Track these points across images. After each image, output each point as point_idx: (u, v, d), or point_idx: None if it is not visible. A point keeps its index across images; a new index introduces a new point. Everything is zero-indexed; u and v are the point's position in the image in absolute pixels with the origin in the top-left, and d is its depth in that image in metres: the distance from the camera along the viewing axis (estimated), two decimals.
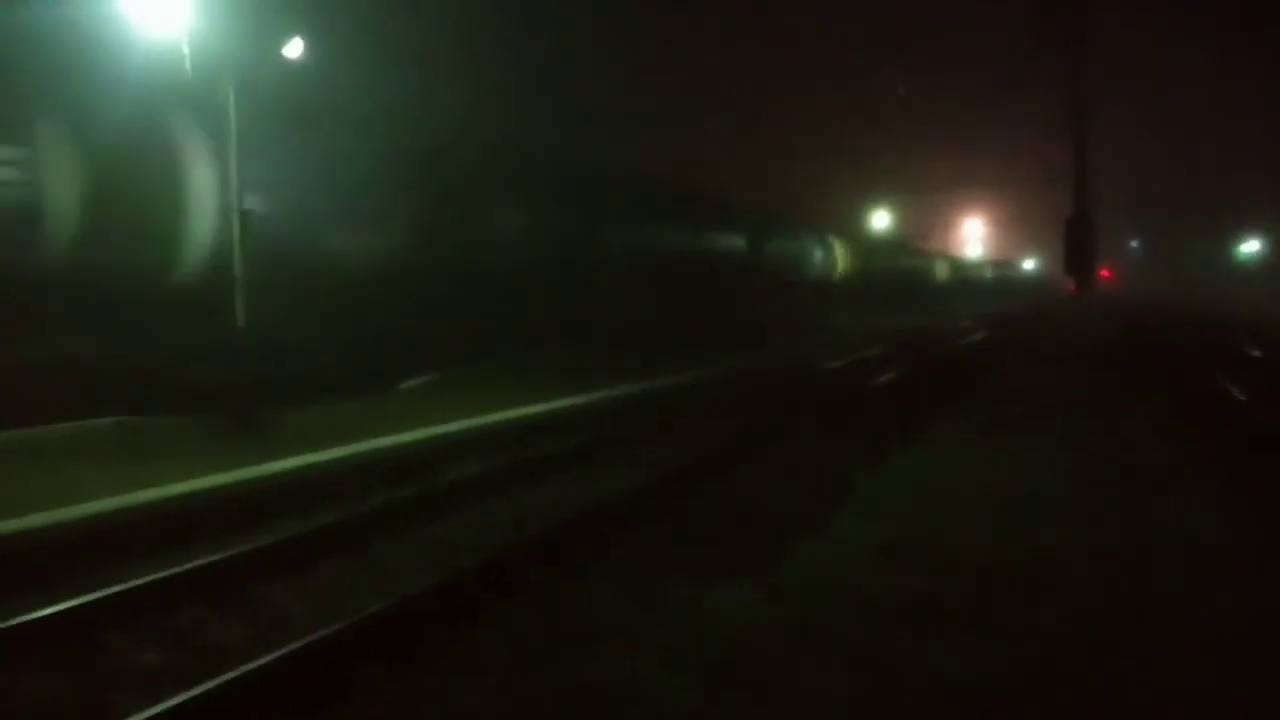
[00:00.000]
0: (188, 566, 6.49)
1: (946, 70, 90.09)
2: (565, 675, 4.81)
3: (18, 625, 5.51)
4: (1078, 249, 23.23)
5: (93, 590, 6.01)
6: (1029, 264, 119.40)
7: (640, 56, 43.77)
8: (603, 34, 41.16)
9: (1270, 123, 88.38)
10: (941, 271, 65.00)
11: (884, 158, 62.16)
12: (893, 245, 50.66)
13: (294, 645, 5.21)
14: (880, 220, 48.74)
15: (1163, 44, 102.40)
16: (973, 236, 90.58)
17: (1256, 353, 25.46)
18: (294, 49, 11.45)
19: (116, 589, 6.05)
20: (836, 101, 64.47)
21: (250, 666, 4.94)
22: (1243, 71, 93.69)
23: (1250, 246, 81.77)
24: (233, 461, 8.96)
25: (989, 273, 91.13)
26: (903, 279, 51.73)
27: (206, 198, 11.09)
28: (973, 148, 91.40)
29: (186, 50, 10.05)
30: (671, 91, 45.53)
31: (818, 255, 36.43)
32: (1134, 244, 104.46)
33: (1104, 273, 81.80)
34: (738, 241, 28.37)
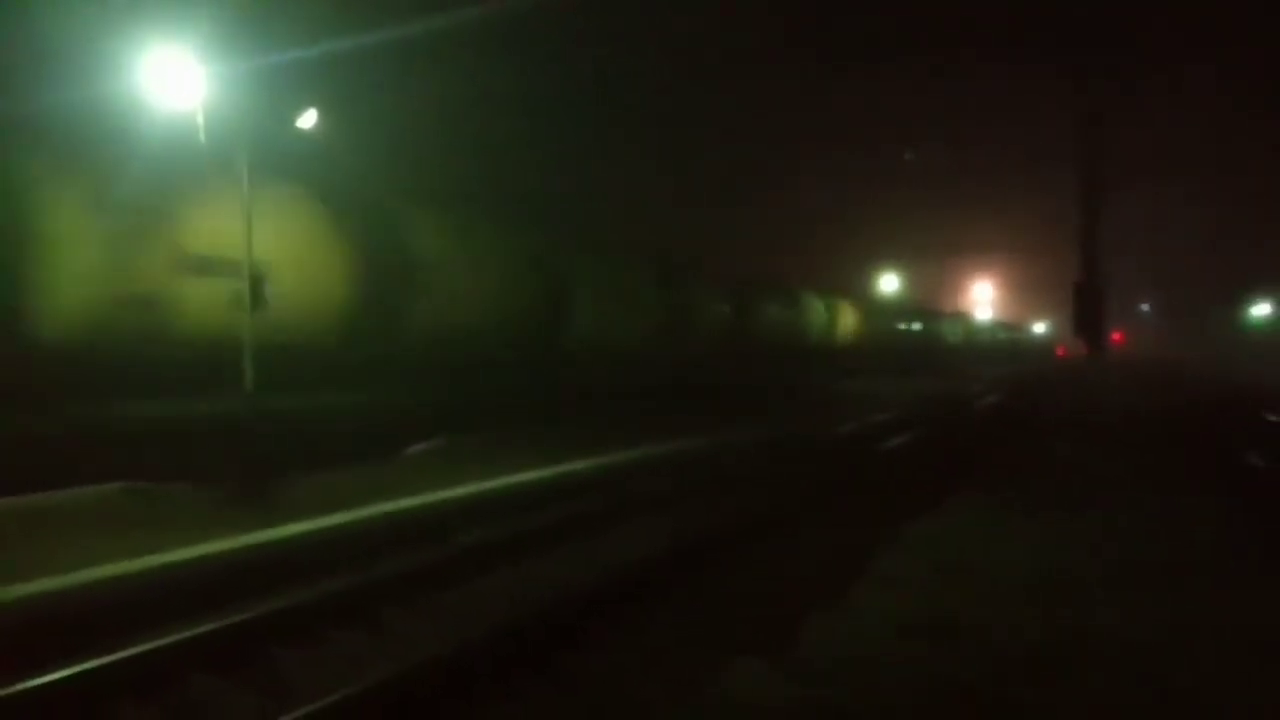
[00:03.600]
0: (193, 633, 6.41)
1: (961, 139, 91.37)
2: None
3: (17, 693, 5.42)
4: (1087, 312, 23.15)
5: (97, 657, 5.92)
6: (1039, 327, 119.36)
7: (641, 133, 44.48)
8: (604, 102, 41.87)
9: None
10: (952, 334, 64.98)
11: (895, 222, 62.78)
12: (902, 308, 50.70)
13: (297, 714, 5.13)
14: (889, 283, 48.80)
15: (1180, 108, 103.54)
16: (983, 299, 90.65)
17: (1273, 418, 25.24)
18: (308, 119, 11.63)
19: (120, 655, 5.97)
20: (850, 169, 65.34)
21: None
22: (1252, 134, 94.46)
23: (1261, 310, 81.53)
24: (236, 529, 8.89)
25: (999, 335, 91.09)
26: (912, 342, 51.73)
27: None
28: (984, 211, 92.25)
29: (201, 121, 10.21)
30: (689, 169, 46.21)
31: (825, 320, 36.45)
32: (1144, 307, 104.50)
33: (1115, 336, 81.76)
34: (730, 306, 28.18)
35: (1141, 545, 8.85)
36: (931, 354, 55.36)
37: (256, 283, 10.60)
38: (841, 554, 9.18)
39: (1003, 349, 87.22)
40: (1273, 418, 25.34)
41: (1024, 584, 7.44)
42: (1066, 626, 6.32)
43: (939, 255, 69.81)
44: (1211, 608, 6.79)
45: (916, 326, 53.68)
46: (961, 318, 72.66)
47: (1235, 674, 5.56)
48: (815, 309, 35.59)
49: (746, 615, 7.50)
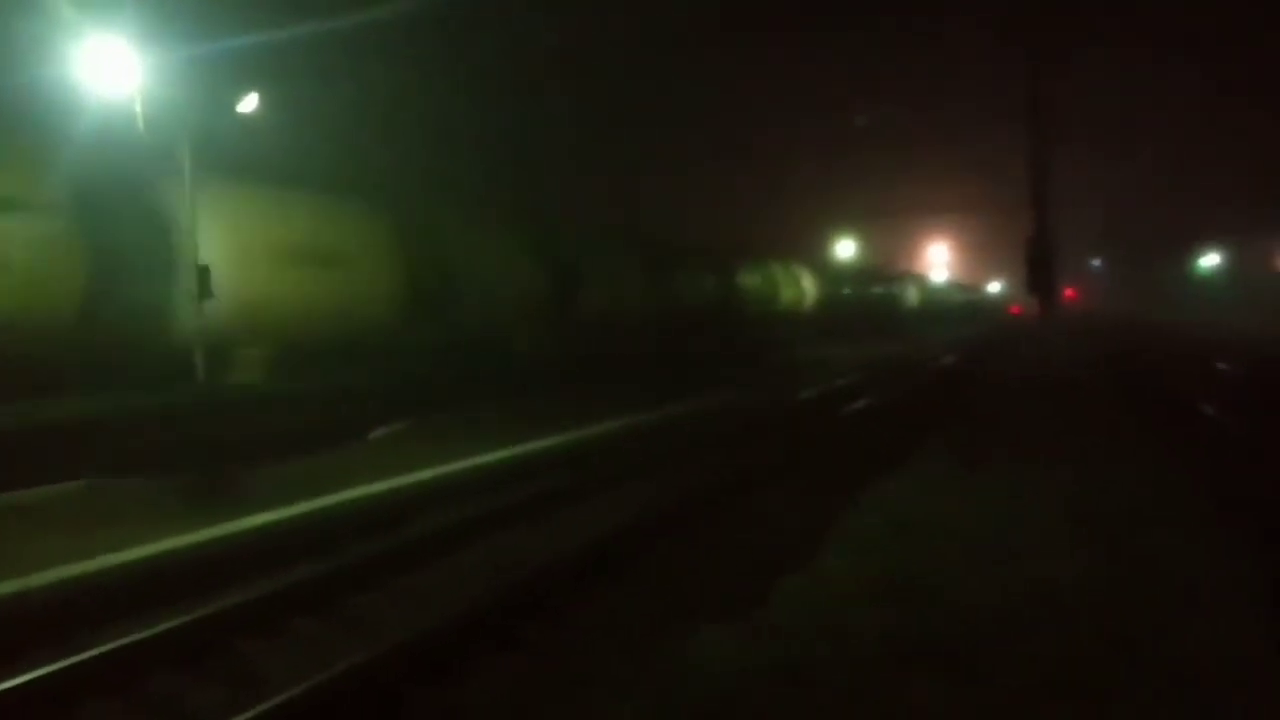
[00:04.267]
0: (158, 629, 6.37)
1: (913, 99, 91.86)
2: None
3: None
4: (1039, 270, 23.47)
5: (65, 657, 5.87)
6: (995, 286, 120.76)
7: (601, 95, 44.28)
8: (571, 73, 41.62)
9: (1229, 137, 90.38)
10: (910, 297, 65.57)
11: (849, 186, 63.13)
12: (860, 272, 51.06)
13: (268, 704, 5.12)
14: (845, 249, 49.15)
15: (1122, 64, 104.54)
16: (939, 261, 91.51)
17: (1223, 366, 25.80)
18: (248, 104, 11.45)
19: (87, 655, 5.92)
20: (802, 134, 65.50)
21: None
22: (1202, 88, 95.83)
23: (1210, 260, 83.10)
24: (199, 522, 8.81)
25: (956, 296, 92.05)
26: (871, 306, 52.14)
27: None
28: (938, 173, 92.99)
29: (139, 110, 10.03)
30: (637, 130, 46.11)
31: (784, 286, 36.62)
32: (1096, 263, 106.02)
33: (1068, 292, 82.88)
34: (702, 278, 28.52)
35: (1093, 498, 9.04)
36: (890, 317, 55.84)
37: (203, 274, 10.47)
38: (806, 517, 9.30)
39: (959, 310, 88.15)
40: (1222, 366, 25.91)
41: (977, 541, 7.59)
42: (1021, 580, 6.46)
43: (894, 218, 70.31)
44: (1155, 557, 6.94)
45: (874, 290, 54.09)
46: (918, 280, 73.31)
47: (1180, 623, 5.71)
48: (774, 276, 35.75)
49: (715, 579, 7.60)
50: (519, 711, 5.27)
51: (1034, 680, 4.86)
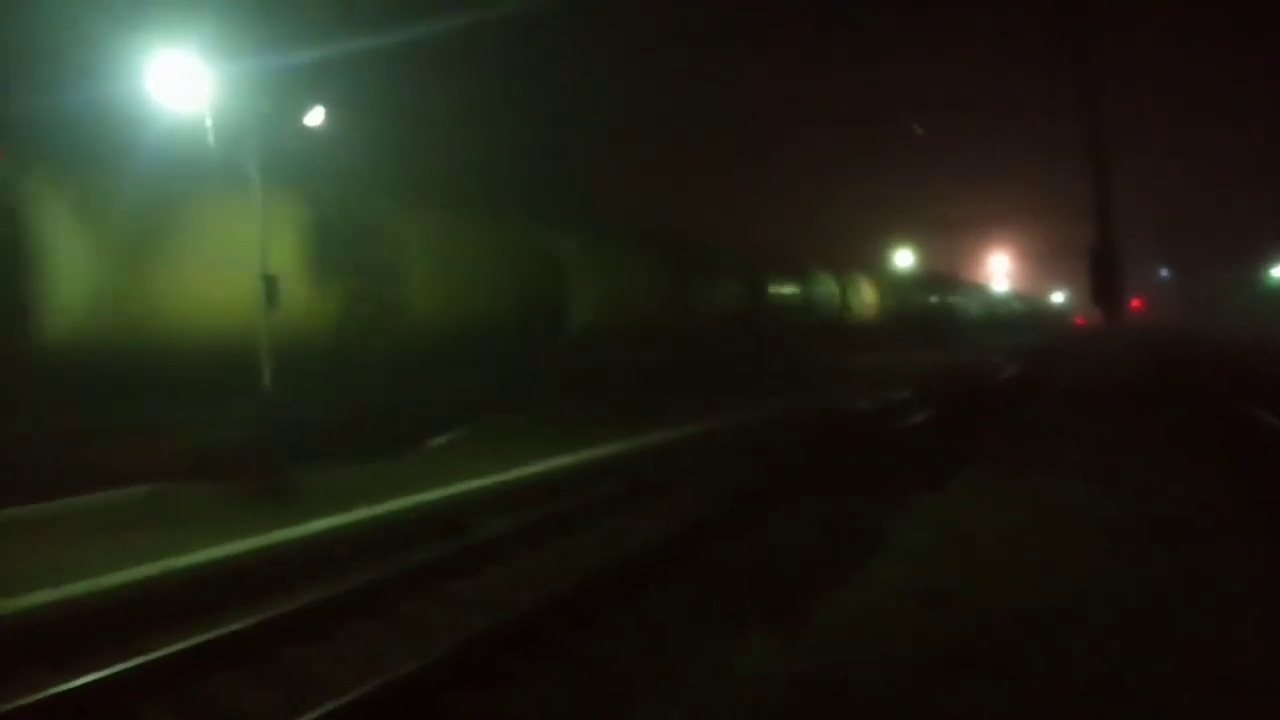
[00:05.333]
0: (219, 632, 6.54)
1: (974, 108, 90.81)
2: None
3: (49, 697, 5.55)
4: (1104, 280, 23.02)
5: (124, 660, 6.06)
6: (1057, 297, 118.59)
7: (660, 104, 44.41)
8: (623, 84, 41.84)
9: None
10: (971, 307, 64.69)
11: (909, 194, 62.55)
12: (920, 282, 50.49)
13: (319, 712, 5.24)
14: (904, 259, 48.65)
15: (1189, 73, 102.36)
16: (999, 271, 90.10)
17: None
18: (315, 117, 11.71)
19: (146, 658, 6.10)
20: (859, 144, 65.06)
21: None
22: (1270, 97, 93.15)
23: None
24: (259, 526, 9.02)
25: (1017, 306, 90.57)
26: (931, 315, 51.52)
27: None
28: (999, 182, 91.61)
29: (209, 124, 10.31)
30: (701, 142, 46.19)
31: (840, 296, 36.40)
32: (1164, 273, 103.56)
33: (1135, 303, 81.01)
34: (738, 284, 28.22)
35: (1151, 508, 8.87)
36: (950, 327, 55.13)
37: (271, 283, 10.71)
38: (857, 525, 9.26)
39: (1021, 320, 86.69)
40: None
41: (1030, 552, 7.50)
42: (1068, 591, 6.39)
43: (954, 227, 69.41)
44: (1210, 569, 6.81)
45: (934, 300, 53.44)
46: (979, 289, 72.28)
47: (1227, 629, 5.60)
48: (829, 286, 35.57)
49: (767, 583, 7.62)
50: None
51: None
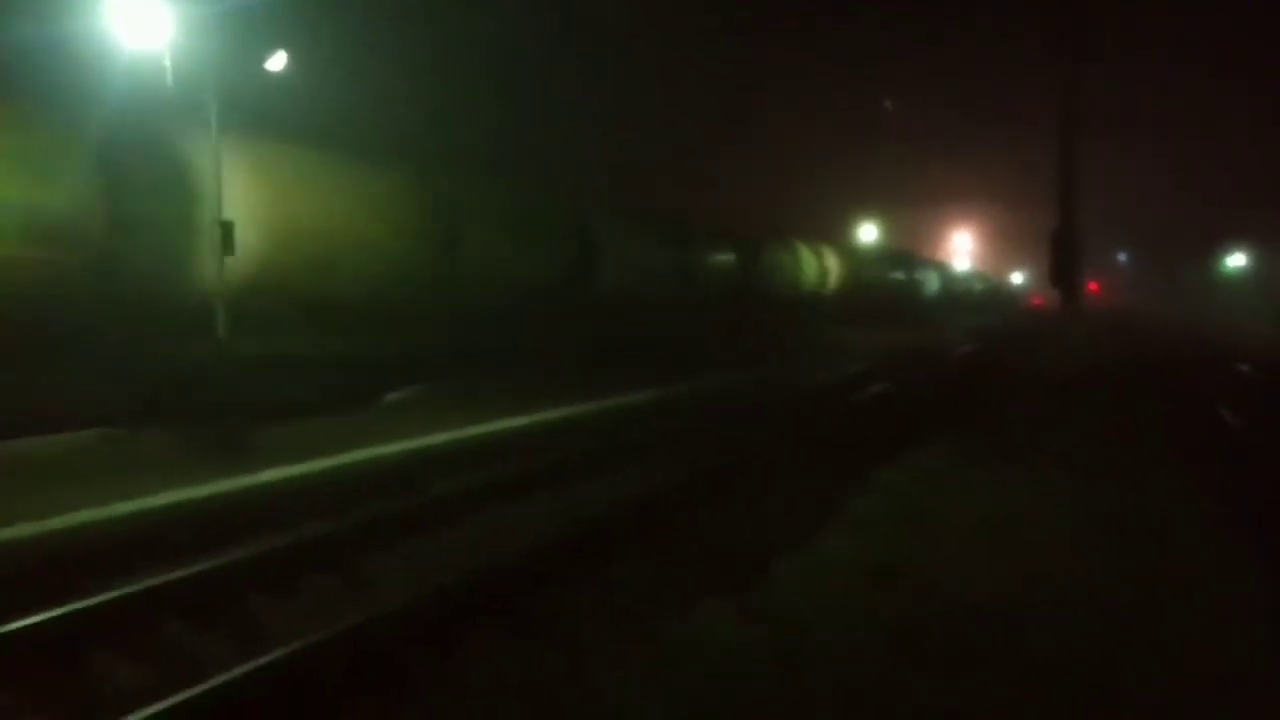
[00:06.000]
0: (168, 578, 6.47)
1: (941, 86, 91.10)
2: (544, 703, 4.80)
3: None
4: (1062, 263, 23.23)
5: (72, 603, 5.97)
6: (1017, 277, 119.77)
7: (628, 74, 44.10)
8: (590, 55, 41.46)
9: (1258, 139, 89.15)
10: (932, 284, 65.10)
11: (875, 171, 62.72)
12: (883, 256, 50.68)
13: (266, 659, 5.20)
14: (868, 233, 48.82)
15: (1153, 61, 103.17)
16: (962, 249, 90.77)
17: (1245, 369, 25.54)
18: (276, 62, 11.45)
19: (93, 601, 6.02)
20: (828, 120, 65.07)
21: (224, 679, 4.92)
22: (1232, 87, 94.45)
23: (1236, 260, 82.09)
24: (211, 475, 8.91)
25: (978, 285, 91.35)
26: (893, 291, 51.79)
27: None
28: (964, 162, 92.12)
29: (168, 64, 10.05)
30: (662, 109, 45.95)
31: (814, 269, 36.45)
32: (1122, 257, 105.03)
33: (1091, 286, 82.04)
34: (726, 257, 28.24)
35: (1096, 500, 8.97)
36: (911, 303, 55.47)
37: (227, 230, 10.51)
38: (812, 499, 9.31)
39: (981, 299, 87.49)
40: (1244, 369, 25.66)
41: (980, 532, 7.57)
42: (1019, 573, 6.44)
43: (918, 205, 69.81)
44: (1155, 564, 6.86)
45: (898, 276, 53.65)
46: (940, 267, 72.75)
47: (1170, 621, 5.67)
48: (805, 258, 35.62)
49: (722, 553, 7.65)
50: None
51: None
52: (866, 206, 50.59)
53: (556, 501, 9.57)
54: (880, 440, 12.64)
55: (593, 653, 5.44)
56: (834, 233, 43.98)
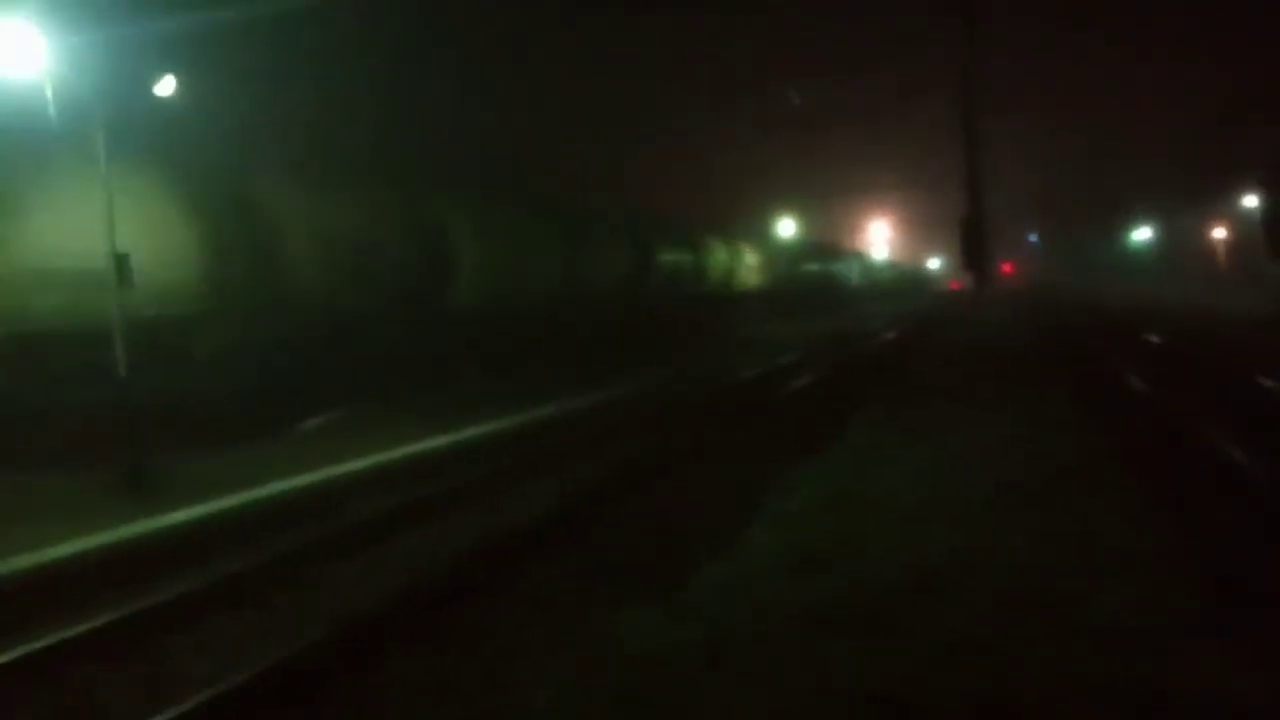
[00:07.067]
0: (79, 629, 6.22)
1: (843, 75, 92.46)
2: (466, 709, 4.71)
3: None
4: (973, 247, 23.83)
5: None
6: (934, 263, 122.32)
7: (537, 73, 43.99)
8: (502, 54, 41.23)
9: (1157, 114, 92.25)
10: (852, 274, 66.15)
11: (786, 165, 63.43)
12: (802, 250, 51.31)
13: (189, 704, 5.03)
14: (786, 228, 49.35)
15: (1050, 44, 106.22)
16: (879, 239, 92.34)
17: (1154, 339, 26.36)
18: (166, 87, 11.13)
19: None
20: (732, 115, 65.65)
21: None
22: (1131, 63, 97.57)
23: (1142, 234, 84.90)
24: (121, 518, 8.60)
25: (897, 273, 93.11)
26: (814, 283, 52.50)
27: None
28: (875, 150, 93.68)
29: (49, 94, 9.69)
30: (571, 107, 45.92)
31: (727, 265, 36.66)
32: (1033, 238, 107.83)
33: (1005, 267, 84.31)
34: (629, 252, 27.78)
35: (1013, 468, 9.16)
36: (832, 294, 56.29)
37: (122, 261, 10.16)
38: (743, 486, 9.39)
39: (899, 286, 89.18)
40: (1154, 339, 26.48)
41: (905, 511, 7.66)
42: (944, 549, 6.53)
43: (835, 196, 70.73)
44: (1074, 527, 7.02)
45: (815, 268, 54.41)
46: (859, 257, 73.93)
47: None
48: (717, 254, 35.74)
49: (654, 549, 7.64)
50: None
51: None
52: (781, 200, 51.06)
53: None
54: (810, 425, 12.80)
55: (515, 660, 5.38)
56: (749, 229, 44.26)
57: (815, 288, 52.32)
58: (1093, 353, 22.19)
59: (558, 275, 22.52)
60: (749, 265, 39.78)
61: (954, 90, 26.55)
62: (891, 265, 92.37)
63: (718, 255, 35.68)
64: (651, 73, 61.18)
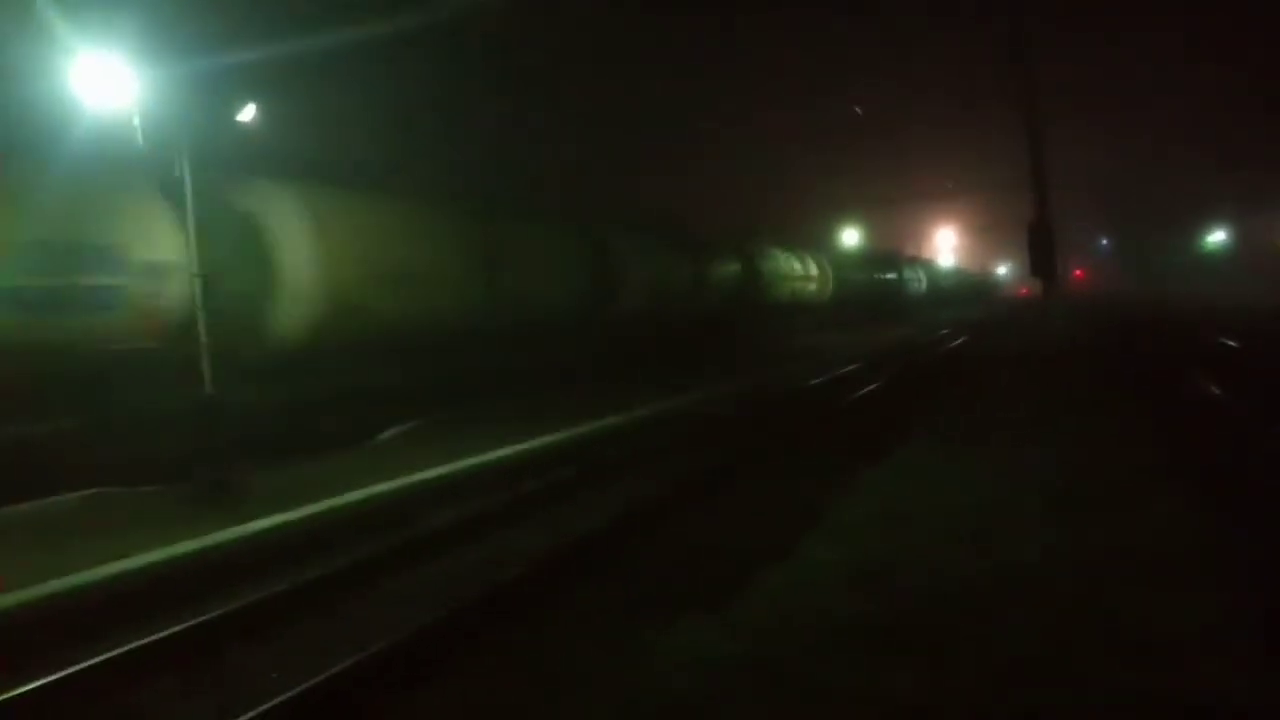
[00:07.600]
0: (160, 635, 6.56)
1: (907, 83, 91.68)
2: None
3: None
4: (1041, 252, 23.49)
5: (58, 669, 6.04)
6: (1002, 270, 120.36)
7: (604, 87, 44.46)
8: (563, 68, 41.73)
9: (1230, 114, 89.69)
10: (918, 282, 65.42)
11: (853, 174, 63.09)
12: (868, 259, 50.97)
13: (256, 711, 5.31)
14: (850, 237, 49.14)
15: (1120, 44, 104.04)
16: (946, 246, 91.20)
17: (1233, 344, 25.71)
18: (247, 114, 11.60)
19: (81, 666, 6.11)
20: (800, 124, 65.46)
21: None
22: (1203, 65, 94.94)
23: (1216, 237, 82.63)
24: (205, 527, 8.99)
25: (964, 280, 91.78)
26: (880, 292, 52.08)
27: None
28: (941, 157, 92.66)
29: (138, 123, 10.17)
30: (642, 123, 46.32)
31: (799, 272, 36.75)
32: (1104, 242, 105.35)
33: (1077, 273, 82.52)
34: (732, 267, 29.11)
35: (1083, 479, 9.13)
36: (898, 302, 55.74)
37: (205, 282, 10.62)
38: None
39: (967, 293, 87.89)
40: (1231, 342, 25.82)
41: (967, 525, 7.69)
42: (1003, 562, 6.57)
43: (901, 205, 70.11)
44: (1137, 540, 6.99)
45: (883, 276, 53.95)
46: (926, 265, 73.10)
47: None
48: (793, 265, 36.00)
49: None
50: None
51: None
52: (848, 209, 50.83)
53: None
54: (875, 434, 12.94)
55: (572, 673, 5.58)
56: (816, 238, 44.19)
57: (880, 296, 51.88)
58: (1170, 364, 21.70)
59: (688, 291, 25.84)
60: (817, 274, 39.70)
61: (1016, 93, 26.21)
62: (958, 272, 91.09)
63: (794, 266, 36.02)
64: (714, 86, 61.25)
